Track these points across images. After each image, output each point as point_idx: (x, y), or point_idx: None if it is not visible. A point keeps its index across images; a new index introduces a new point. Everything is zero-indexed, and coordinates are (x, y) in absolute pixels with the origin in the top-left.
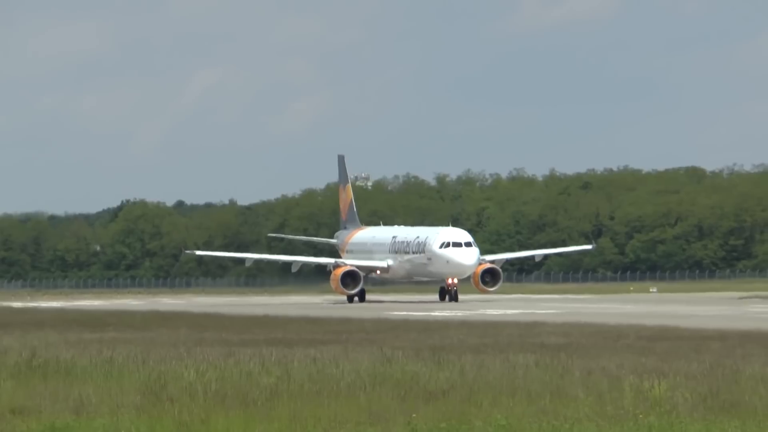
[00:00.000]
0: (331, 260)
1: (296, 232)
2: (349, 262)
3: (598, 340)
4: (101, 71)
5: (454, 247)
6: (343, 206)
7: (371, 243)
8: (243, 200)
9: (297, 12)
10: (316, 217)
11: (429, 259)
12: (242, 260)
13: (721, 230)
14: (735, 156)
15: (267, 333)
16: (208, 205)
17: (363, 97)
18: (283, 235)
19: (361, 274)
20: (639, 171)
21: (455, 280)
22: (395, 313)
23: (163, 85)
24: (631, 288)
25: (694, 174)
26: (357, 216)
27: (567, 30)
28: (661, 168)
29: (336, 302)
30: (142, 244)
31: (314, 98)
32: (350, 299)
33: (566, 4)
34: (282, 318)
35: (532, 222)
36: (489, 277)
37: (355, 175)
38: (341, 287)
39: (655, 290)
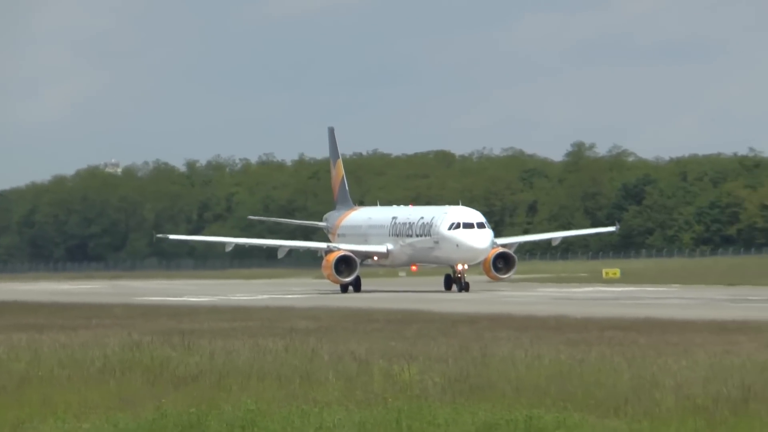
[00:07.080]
0: (323, 245)
1: (47, 218)
2: (344, 247)
3: (347, 324)
4: None
5: (465, 229)
6: (334, 184)
7: (367, 225)
8: None
9: None
10: (66, 203)
11: (436, 242)
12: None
13: None
14: (484, 140)
15: (16, 318)
16: None
17: (115, 84)
18: (264, 218)
19: (357, 259)
20: (388, 155)
21: (465, 267)
22: (147, 298)
23: None
24: (380, 272)
25: (444, 158)
26: (349, 195)
27: (321, 15)
28: (410, 152)
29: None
30: None
31: (67, 85)
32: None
33: None
34: (32, 303)
35: (281, 207)
36: (502, 262)
37: (105, 162)
38: (334, 275)
39: (403, 274)
